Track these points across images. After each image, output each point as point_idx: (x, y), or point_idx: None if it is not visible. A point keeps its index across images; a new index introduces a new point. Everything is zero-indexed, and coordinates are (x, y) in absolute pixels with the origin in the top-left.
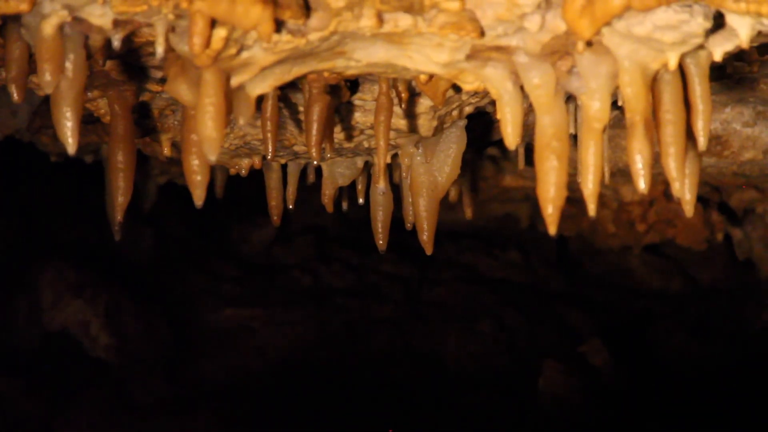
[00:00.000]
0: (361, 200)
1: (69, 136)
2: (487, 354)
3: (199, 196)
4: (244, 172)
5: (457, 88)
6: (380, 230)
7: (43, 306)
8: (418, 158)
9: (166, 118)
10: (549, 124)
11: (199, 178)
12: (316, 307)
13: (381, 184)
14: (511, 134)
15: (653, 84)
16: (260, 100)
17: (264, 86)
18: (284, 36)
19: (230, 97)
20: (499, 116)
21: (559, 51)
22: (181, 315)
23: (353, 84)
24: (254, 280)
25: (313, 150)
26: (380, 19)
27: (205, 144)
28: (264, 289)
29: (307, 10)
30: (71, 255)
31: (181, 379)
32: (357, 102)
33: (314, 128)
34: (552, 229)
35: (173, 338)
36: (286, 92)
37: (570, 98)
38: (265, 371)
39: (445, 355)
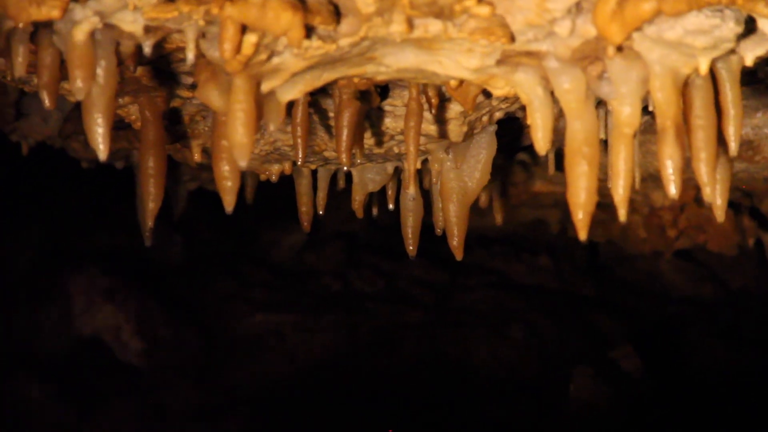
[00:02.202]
0: (391, 206)
1: (100, 143)
2: (518, 360)
3: (229, 202)
4: (274, 178)
5: (487, 94)
6: (410, 236)
7: (74, 312)
8: (448, 164)
9: (196, 124)
10: (579, 130)
11: (229, 183)
12: (346, 312)
13: (411, 190)
14: (541, 139)
15: (684, 89)
16: (290, 105)
17: (294, 92)
18: (314, 42)
19: (261, 103)
20: (529, 121)
21: (589, 56)
22: (211, 321)
23: (383, 89)
24: (284, 286)
25: (343, 155)
26: (410, 24)
27: (236, 150)
28: (294, 295)
29: (337, 15)
30: (102, 261)
31: (211, 384)
32: (387, 107)
33: (344, 134)
34: (582, 235)
35: (203, 344)
36: (316, 98)
37: (600, 103)
38: (294, 377)
39: (475, 361)
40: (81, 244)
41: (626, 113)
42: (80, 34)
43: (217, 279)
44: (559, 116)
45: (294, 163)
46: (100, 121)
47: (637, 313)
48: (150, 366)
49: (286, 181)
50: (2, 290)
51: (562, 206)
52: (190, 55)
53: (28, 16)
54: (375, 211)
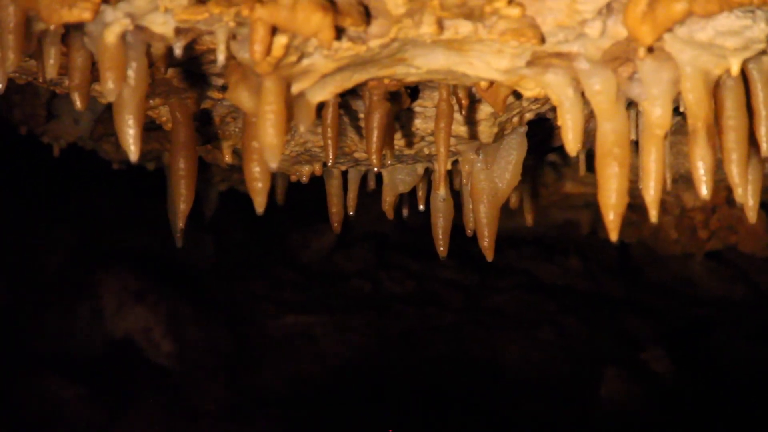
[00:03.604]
0: (421, 207)
1: (131, 144)
2: (548, 361)
3: (260, 203)
4: (304, 179)
5: (517, 95)
6: (440, 237)
7: (105, 313)
8: (479, 165)
9: (227, 125)
10: (610, 131)
11: (260, 185)
12: (376, 314)
13: (441, 191)
14: (572, 141)
15: (715, 90)
16: (321, 107)
17: (324, 93)
18: (345, 43)
19: (291, 104)
20: (559, 123)
21: (620, 57)
22: (241, 321)
23: (413, 91)
24: (315, 287)
25: (374, 157)
26: (440, 25)
27: (267, 151)
28: (324, 296)
29: (367, 17)
30: (134, 262)
31: (241, 385)
32: (417, 109)
33: (375, 135)
34: (614, 236)
35: (234, 345)
36: (346, 99)
37: (631, 104)
38: (324, 378)
39: (505, 363)
40: (112, 246)
41: (657, 114)
42: (111, 36)
43: (247, 280)
44: (589, 117)
45: (324, 165)
46: (131, 122)
47: (667, 315)
48: (180, 367)
49: (317, 183)
50: (34, 291)
51: (593, 207)
52: (221, 57)
53: (60, 17)
54: (405, 212)
